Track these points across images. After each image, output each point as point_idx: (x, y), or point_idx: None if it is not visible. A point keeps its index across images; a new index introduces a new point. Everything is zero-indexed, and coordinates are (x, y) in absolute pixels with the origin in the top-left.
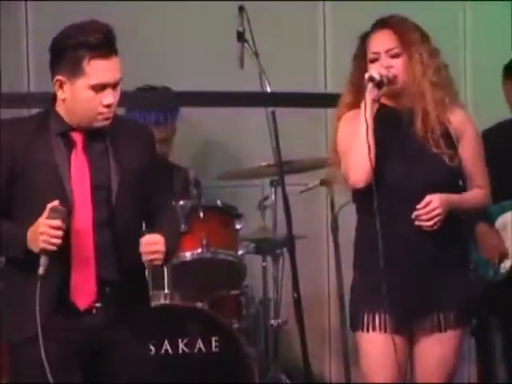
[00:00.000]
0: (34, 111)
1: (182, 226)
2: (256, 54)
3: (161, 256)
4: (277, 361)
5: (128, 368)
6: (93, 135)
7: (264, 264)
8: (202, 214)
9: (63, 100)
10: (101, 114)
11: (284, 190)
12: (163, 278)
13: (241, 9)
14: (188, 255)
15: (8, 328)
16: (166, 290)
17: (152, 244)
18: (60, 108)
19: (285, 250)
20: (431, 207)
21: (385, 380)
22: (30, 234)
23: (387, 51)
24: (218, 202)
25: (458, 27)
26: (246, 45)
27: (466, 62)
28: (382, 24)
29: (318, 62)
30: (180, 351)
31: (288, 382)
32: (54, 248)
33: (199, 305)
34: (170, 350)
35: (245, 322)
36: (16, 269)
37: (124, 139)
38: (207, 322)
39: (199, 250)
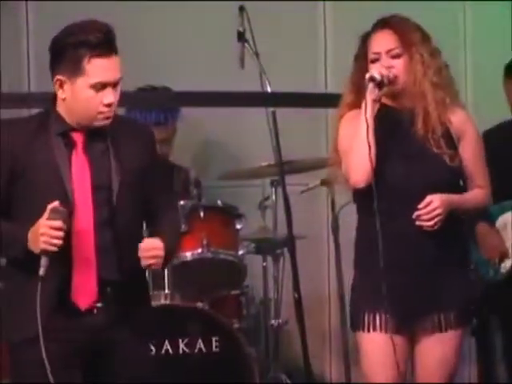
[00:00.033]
0: (34, 111)
1: (183, 226)
2: (256, 54)
3: (160, 261)
4: (277, 361)
5: (128, 368)
6: (93, 135)
7: (264, 264)
8: (202, 214)
9: (63, 100)
10: (101, 113)
11: (284, 189)
12: (164, 278)
13: (241, 9)
14: (188, 255)
15: (8, 328)
16: (167, 290)
17: (151, 249)
18: (60, 108)
19: (285, 250)
20: (432, 207)
21: (385, 380)
22: (30, 234)
23: (388, 51)
24: (219, 202)
25: (458, 27)
26: (246, 45)
27: (467, 62)
28: (382, 24)
29: (319, 62)
30: (180, 351)
31: (288, 382)
32: (54, 249)
33: (200, 305)
34: (170, 350)
35: (245, 322)
36: (16, 269)
37: (125, 139)
38: (208, 322)
39: (200, 250)
